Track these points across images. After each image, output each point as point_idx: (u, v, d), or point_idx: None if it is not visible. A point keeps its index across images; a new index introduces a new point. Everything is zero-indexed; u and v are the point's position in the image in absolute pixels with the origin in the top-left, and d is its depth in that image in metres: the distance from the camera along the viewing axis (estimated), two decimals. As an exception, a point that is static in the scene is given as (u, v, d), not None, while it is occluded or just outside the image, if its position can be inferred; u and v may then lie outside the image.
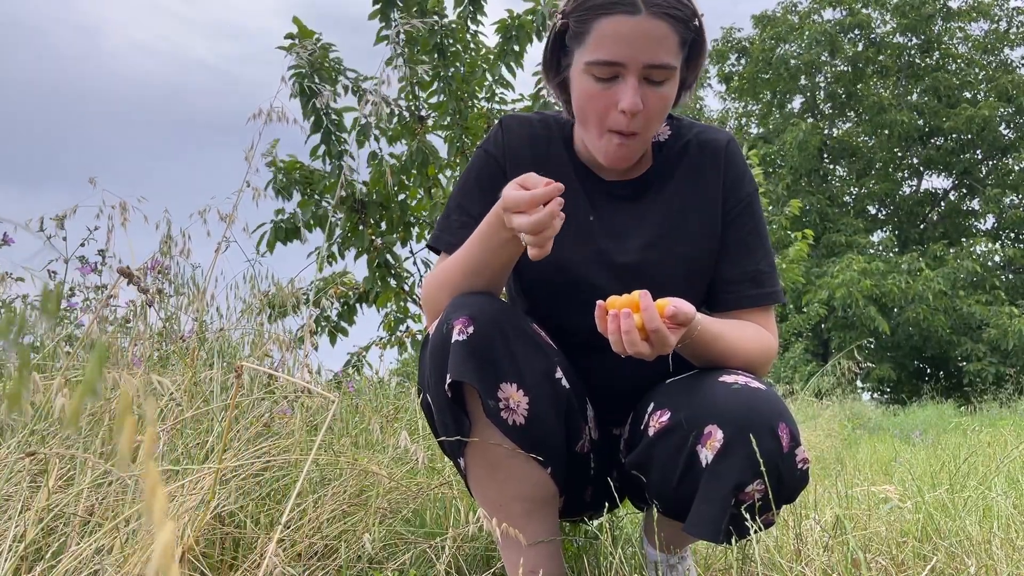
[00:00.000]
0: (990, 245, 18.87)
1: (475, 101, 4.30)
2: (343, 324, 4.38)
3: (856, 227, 19.69)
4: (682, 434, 1.14)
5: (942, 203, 22.04)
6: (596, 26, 1.15)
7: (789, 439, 1.11)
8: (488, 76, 4.24)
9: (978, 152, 21.33)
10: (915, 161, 22.07)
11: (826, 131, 21.63)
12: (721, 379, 1.16)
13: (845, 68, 21.63)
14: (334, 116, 4.07)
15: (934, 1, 20.85)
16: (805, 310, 14.20)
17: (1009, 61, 21.77)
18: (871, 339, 16.75)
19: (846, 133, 22.22)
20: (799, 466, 1.13)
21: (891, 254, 18.79)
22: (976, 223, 21.53)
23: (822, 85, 22.15)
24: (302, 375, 1.93)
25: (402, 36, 3.90)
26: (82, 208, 2.01)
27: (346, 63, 4.08)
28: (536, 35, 4.10)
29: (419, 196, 4.30)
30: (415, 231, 4.34)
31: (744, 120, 23.34)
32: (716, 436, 1.10)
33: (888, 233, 21.41)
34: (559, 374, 1.21)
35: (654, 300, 1.08)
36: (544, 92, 4.07)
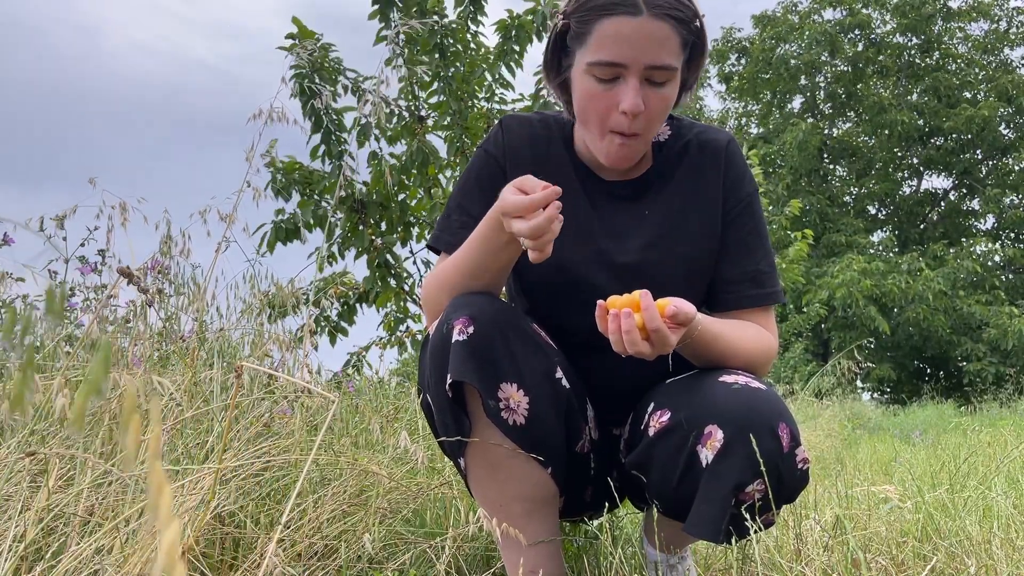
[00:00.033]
0: (990, 245, 18.88)
1: (475, 101, 4.29)
2: (343, 324, 4.38)
3: (856, 227, 19.69)
4: (682, 434, 1.14)
5: (942, 203, 22.05)
6: (598, 27, 1.15)
7: (789, 439, 1.11)
8: (488, 76, 4.23)
9: (978, 152, 21.33)
10: (915, 161, 22.07)
11: (826, 131, 21.63)
12: (721, 379, 1.16)
13: (845, 68, 21.64)
14: (334, 116, 4.07)
15: (934, 1, 20.85)
16: (805, 310, 14.19)
17: (1009, 61, 21.78)
18: (871, 339, 16.76)
19: (846, 133, 22.22)
20: (799, 466, 1.13)
21: (891, 254, 18.80)
22: (976, 223, 21.54)
23: (822, 85, 22.15)
24: (302, 375, 1.93)
25: (401, 37, 3.90)
26: (82, 208, 2.01)
27: (346, 63, 4.08)
28: (536, 35, 4.10)
29: (419, 196, 4.29)
30: (415, 231, 4.33)
31: (744, 120, 23.33)
32: (716, 436, 1.10)
33: (888, 233, 21.41)
34: (559, 374, 1.21)
35: (654, 300, 1.08)
36: (544, 92, 4.07)
